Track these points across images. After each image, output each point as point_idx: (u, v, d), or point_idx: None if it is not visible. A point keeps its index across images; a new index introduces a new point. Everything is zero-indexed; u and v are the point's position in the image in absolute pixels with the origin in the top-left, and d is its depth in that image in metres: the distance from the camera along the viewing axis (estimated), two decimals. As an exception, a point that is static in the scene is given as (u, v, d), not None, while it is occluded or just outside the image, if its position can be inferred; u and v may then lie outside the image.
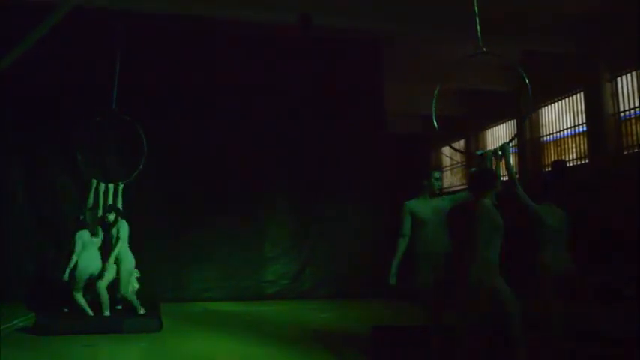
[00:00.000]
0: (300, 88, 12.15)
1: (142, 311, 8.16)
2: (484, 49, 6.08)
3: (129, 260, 8.34)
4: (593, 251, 10.19)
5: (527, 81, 5.92)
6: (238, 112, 11.79)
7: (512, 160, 5.67)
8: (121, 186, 9.02)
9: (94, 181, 9.03)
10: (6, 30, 9.17)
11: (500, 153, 5.59)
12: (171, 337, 7.35)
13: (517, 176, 5.61)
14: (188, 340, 7.33)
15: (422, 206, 5.74)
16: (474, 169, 5.99)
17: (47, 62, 10.67)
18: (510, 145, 5.83)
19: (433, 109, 6.10)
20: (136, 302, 8.29)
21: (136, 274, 8.88)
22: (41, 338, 7.10)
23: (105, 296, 8.04)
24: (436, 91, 6.16)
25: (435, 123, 6.12)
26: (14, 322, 8.18)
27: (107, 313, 8.00)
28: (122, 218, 8.44)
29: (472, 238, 4.82)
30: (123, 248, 8.25)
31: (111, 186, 8.99)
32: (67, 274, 8.03)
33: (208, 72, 11.63)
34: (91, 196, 8.90)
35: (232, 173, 11.53)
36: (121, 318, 7.75)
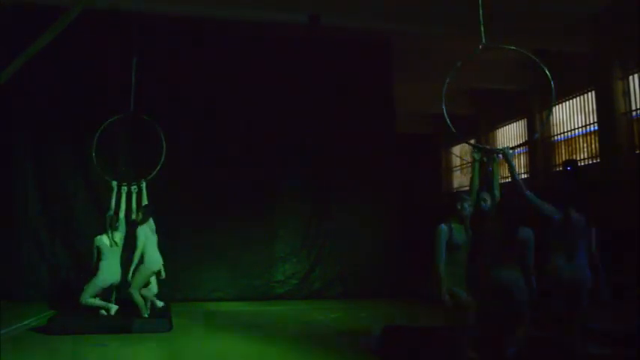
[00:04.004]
0: (310, 89, 12.10)
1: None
2: (480, 47, 6.08)
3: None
4: (604, 251, 10.09)
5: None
6: (248, 114, 11.78)
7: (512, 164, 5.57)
8: (144, 184, 8.79)
9: (114, 183, 8.73)
10: (16, 32, 9.24)
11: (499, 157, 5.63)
12: (182, 338, 7.37)
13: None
14: (198, 340, 7.35)
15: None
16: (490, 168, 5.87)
17: (60, 65, 10.76)
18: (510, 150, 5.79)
19: (444, 110, 6.03)
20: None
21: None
22: (53, 338, 7.14)
23: (140, 300, 7.96)
24: (443, 92, 6.11)
25: (449, 123, 6.00)
26: (26, 322, 8.23)
27: (146, 314, 7.98)
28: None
29: None
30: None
31: (134, 186, 8.73)
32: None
33: (218, 76, 11.61)
34: (113, 199, 8.61)
35: (243, 174, 11.53)
36: (131, 318, 7.76)
